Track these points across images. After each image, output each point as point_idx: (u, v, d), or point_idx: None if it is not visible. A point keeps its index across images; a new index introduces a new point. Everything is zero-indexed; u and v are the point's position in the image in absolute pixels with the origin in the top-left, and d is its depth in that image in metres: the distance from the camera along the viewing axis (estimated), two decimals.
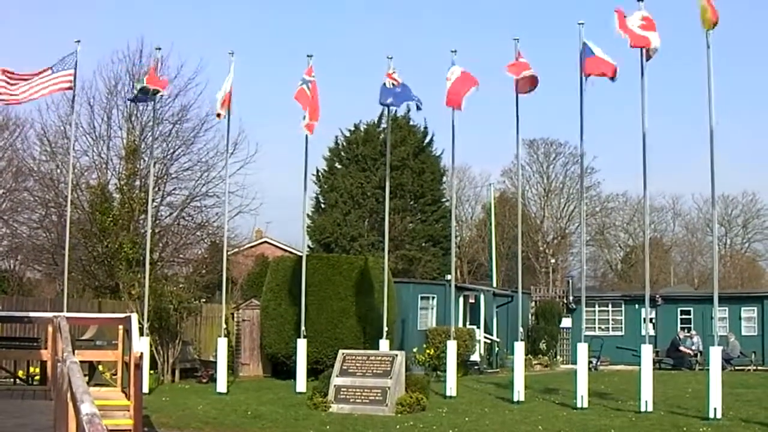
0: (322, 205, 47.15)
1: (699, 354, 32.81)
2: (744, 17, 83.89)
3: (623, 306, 37.68)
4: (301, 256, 24.21)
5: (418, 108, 22.17)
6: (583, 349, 19.08)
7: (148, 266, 22.71)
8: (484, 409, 18.26)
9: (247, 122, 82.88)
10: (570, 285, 40.54)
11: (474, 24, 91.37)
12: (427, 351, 26.87)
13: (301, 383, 21.18)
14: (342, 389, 18.14)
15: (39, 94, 22.31)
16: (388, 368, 18.23)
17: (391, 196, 26.89)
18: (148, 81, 22.29)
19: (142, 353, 12.19)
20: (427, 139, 47.80)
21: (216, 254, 30.99)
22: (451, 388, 20.42)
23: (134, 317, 13.97)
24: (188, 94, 32.31)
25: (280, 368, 25.64)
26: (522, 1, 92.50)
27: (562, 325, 36.84)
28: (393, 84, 21.55)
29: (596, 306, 37.81)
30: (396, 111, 44.48)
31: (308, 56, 22.61)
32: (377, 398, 17.75)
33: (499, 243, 50.87)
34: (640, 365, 18.20)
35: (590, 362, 25.07)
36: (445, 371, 21.48)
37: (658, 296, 36.39)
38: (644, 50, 18.08)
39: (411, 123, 47.33)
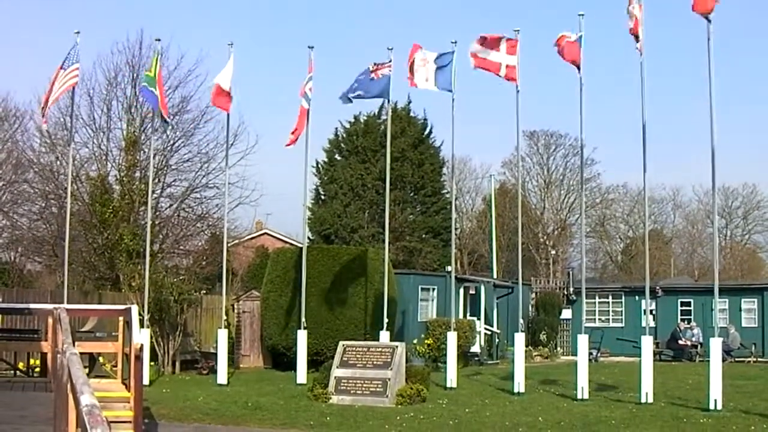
0: (322, 197, 47.12)
1: (699, 345, 32.86)
2: (744, 8, 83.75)
3: (623, 297, 37.70)
4: (301, 248, 24.22)
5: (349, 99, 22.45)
6: (583, 340, 19.09)
7: (148, 258, 22.71)
8: (484, 401, 18.27)
9: (247, 113, 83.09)
10: (570, 276, 40.56)
11: (475, 14, 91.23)
12: (428, 342, 26.88)
13: (302, 374, 21.20)
14: (342, 380, 18.14)
15: (58, 94, 22.63)
16: (389, 359, 18.24)
17: (392, 187, 26.86)
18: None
19: (142, 345, 12.18)
20: (427, 131, 47.78)
21: (216, 246, 30.98)
22: (452, 379, 20.44)
23: (134, 309, 13.98)
24: (188, 85, 32.26)
25: (281, 360, 25.67)
26: None
27: (562, 317, 36.90)
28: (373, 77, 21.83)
29: (596, 297, 37.83)
30: (396, 102, 44.68)
31: (309, 47, 22.63)
32: (378, 389, 17.76)
33: (499, 234, 50.83)
34: (640, 357, 18.21)
35: (590, 354, 25.08)
36: (445, 362, 21.49)
37: (658, 288, 36.39)
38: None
39: (411, 114, 47.30)
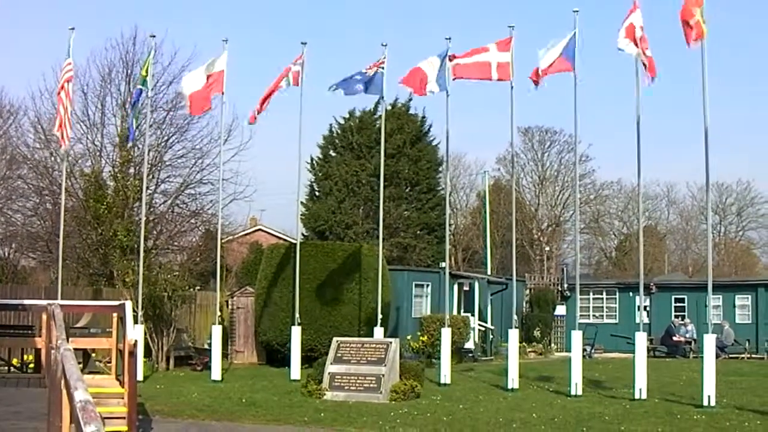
0: (317, 193, 47.03)
1: (693, 342, 32.92)
2: (738, 4, 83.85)
3: (617, 294, 37.76)
4: (295, 244, 24.22)
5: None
6: (577, 336, 19.13)
7: (142, 254, 22.69)
8: (478, 397, 18.29)
9: (241, 109, 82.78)
10: (564, 273, 40.59)
11: (470, 10, 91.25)
12: (422, 338, 26.89)
13: (296, 371, 21.20)
14: (336, 377, 18.15)
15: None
16: (383, 356, 18.25)
17: (386, 183, 26.88)
18: None
19: (136, 341, 12.19)
20: (425, 128, 47.64)
21: (210, 242, 31.01)
22: (446, 375, 20.45)
23: (128, 305, 13.96)
24: (182, 81, 32.23)
25: (275, 356, 25.66)
26: None
27: (556, 313, 36.93)
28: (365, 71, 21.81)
29: (590, 294, 37.88)
30: (396, 98, 44.69)
31: (302, 43, 22.61)
32: (372, 385, 17.76)
33: (493, 231, 50.88)
34: (634, 353, 18.24)
35: (584, 350, 25.11)
36: (439, 359, 21.50)
37: (652, 284, 36.45)
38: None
39: (410, 112, 47.13)
